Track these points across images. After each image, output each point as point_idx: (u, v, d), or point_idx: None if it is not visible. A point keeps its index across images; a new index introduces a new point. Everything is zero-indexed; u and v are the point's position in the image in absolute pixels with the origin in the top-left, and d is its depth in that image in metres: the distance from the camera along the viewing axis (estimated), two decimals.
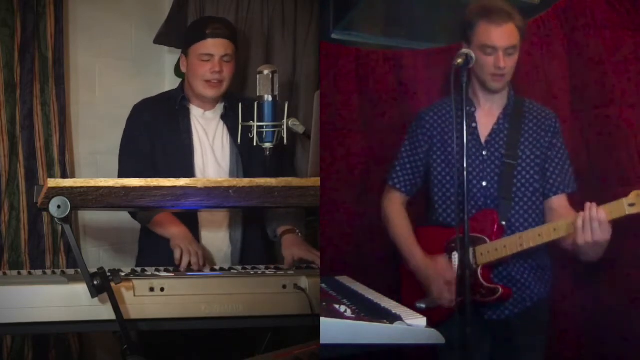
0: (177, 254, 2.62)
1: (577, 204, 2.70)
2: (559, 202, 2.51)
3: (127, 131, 2.89)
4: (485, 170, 2.49)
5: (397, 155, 2.65)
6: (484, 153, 2.49)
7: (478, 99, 2.53)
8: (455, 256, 2.43)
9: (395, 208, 2.64)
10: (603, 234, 2.23)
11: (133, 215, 2.85)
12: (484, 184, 2.48)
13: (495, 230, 2.42)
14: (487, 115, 2.53)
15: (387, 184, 2.67)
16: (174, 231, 2.72)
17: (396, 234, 2.60)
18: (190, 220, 2.83)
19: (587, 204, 2.26)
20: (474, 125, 2.51)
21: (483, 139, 2.51)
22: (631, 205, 2.22)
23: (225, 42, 2.82)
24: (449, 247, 2.46)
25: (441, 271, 2.42)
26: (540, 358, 2.56)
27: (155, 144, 2.83)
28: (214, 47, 2.80)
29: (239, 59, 2.94)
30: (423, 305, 2.48)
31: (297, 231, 2.86)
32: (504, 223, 2.44)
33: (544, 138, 2.50)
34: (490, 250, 2.41)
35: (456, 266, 2.42)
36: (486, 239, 2.42)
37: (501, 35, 2.39)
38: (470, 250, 2.39)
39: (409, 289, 2.58)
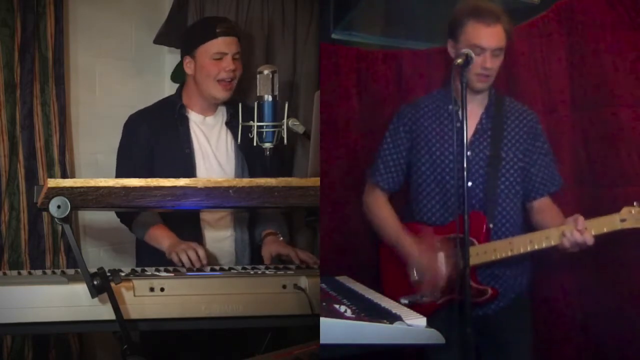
0: (175, 259, 2.61)
1: (577, 204, 2.71)
2: (543, 203, 2.56)
3: (123, 144, 2.86)
4: (470, 170, 2.48)
5: (379, 152, 2.64)
6: (469, 153, 2.49)
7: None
8: (441, 256, 2.43)
9: (379, 201, 2.63)
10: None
11: (129, 227, 2.84)
12: (469, 184, 2.48)
13: (484, 232, 2.43)
14: (469, 115, 2.51)
15: (368, 180, 2.67)
16: (167, 243, 2.69)
17: (382, 224, 2.60)
18: (193, 223, 2.83)
19: (573, 230, 2.30)
20: (458, 124, 2.50)
21: (467, 139, 2.51)
22: (623, 220, 2.30)
23: (235, 40, 2.80)
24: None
25: (435, 263, 2.43)
26: (527, 349, 2.58)
27: (153, 156, 2.80)
28: (226, 45, 2.78)
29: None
30: (405, 301, 2.48)
31: (279, 234, 2.87)
32: (491, 225, 2.45)
33: (526, 140, 2.52)
34: (480, 253, 2.41)
35: (442, 266, 2.42)
36: (474, 240, 2.42)
37: (490, 36, 2.39)
38: (459, 251, 2.39)
39: (391, 284, 2.58)
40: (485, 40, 2.39)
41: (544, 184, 2.55)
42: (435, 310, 2.40)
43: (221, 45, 2.77)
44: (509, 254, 2.39)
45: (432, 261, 2.43)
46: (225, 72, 2.78)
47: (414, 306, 2.43)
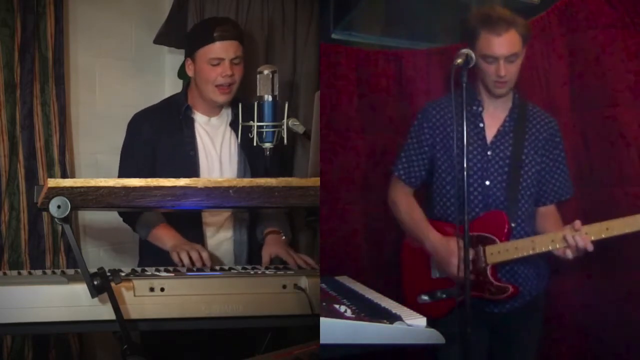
0: (176, 259, 2.61)
1: (577, 204, 2.72)
2: (548, 209, 2.58)
3: (127, 143, 2.84)
4: (489, 170, 2.50)
5: (404, 146, 2.65)
6: (489, 153, 2.51)
7: (483, 101, 2.54)
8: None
9: (404, 195, 2.64)
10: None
11: (133, 227, 2.84)
12: (487, 183, 2.49)
13: (505, 231, 2.44)
14: (492, 117, 2.54)
15: (392, 175, 2.66)
16: (170, 243, 2.69)
17: (407, 217, 2.60)
18: (195, 225, 2.83)
19: (575, 235, 2.32)
20: (481, 125, 2.52)
21: (489, 140, 2.52)
22: None
23: (234, 44, 2.76)
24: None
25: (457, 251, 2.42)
26: (535, 351, 2.59)
27: (157, 156, 2.79)
28: (224, 50, 2.74)
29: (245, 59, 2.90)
30: (426, 298, 2.49)
31: (282, 233, 2.86)
32: (513, 225, 2.46)
33: (544, 146, 2.54)
34: (501, 251, 2.42)
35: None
36: (496, 239, 2.43)
37: (501, 45, 2.39)
38: (480, 249, 2.42)
39: (411, 279, 2.59)
40: (498, 49, 2.39)
41: (556, 191, 2.57)
42: (454, 307, 2.39)
43: (218, 50, 2.74)
44: (531, 252, 2.40)
45: (455, 257, 2.40)
46: (222, 77, 2.75)
47: (433, 303, 2.46)
